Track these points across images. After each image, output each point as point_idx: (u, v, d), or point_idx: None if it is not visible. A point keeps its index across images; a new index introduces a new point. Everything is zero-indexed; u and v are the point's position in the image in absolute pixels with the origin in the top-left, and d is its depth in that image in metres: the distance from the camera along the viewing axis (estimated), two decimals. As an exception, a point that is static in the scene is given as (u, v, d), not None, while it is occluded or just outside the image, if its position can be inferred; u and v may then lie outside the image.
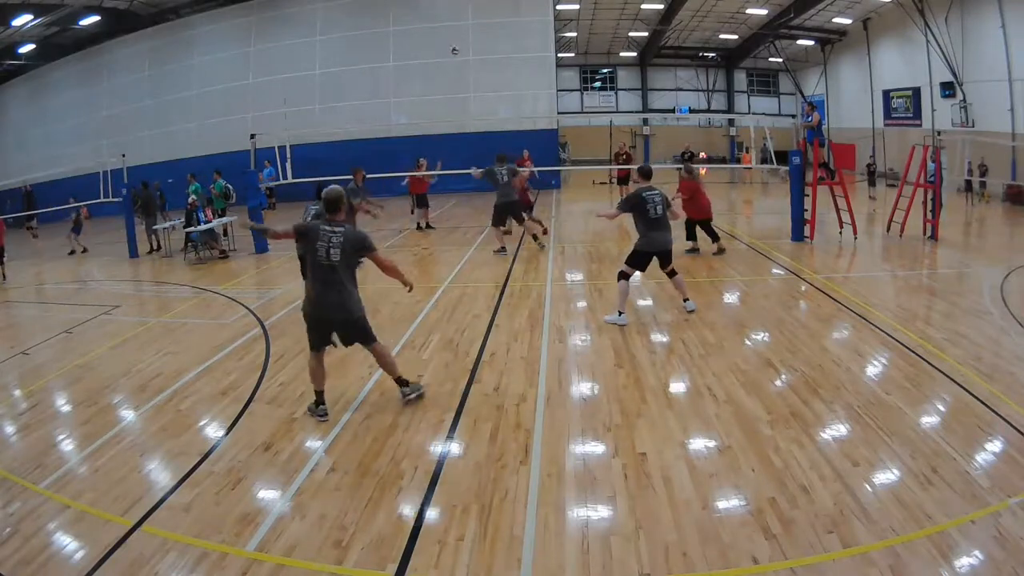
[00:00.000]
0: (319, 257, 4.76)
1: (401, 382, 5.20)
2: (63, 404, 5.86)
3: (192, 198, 13.61)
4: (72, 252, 15.25)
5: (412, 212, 15.41)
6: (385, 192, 16.60)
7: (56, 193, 19.38)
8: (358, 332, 4.99)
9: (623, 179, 18.37)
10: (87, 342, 7.72)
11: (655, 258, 7.16)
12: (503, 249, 11.33)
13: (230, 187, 15.15)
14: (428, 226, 15.01)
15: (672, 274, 7.31)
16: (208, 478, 4.24)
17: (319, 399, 5.06)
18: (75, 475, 4.43)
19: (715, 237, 10.77)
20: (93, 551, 3.51)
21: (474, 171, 11.56)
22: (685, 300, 7.38)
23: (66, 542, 3.66)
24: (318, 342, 4.98)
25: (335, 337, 4.95)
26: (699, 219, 10.76)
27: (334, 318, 4.85)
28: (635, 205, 7.00)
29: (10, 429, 5.37)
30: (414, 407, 5.18)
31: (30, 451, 4.84)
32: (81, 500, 4.05)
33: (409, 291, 5.16)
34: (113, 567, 3.37)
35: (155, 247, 14.73)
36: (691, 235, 10.96)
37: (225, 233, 14.49)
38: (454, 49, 20.89)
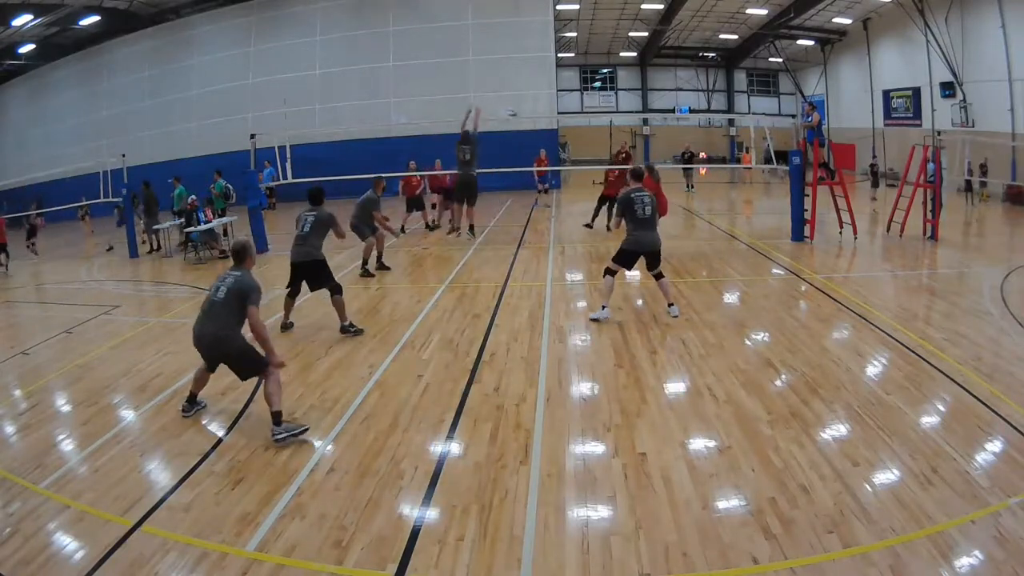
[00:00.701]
0: (210, 290, 5.21)
1: (276, 418, 4.75)
2: (63, 404, 5.86)
3: (192, 198, 13.58)
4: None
5: (406, 219, 15.07)
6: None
7: (56, 193, 19.40)
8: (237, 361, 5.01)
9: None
10: (87, 342, 7.72)
11: (642, 258, 7.20)
12: (456, 230, 11.79)
13: (230, 187, 15.14)
14: (435, 224, 15.06)
15: (659, 276, 7.30)
16: (208, 478, 4.24)
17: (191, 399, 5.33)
18: (75, 475, 4.42)
19: None
20: (93, 551, 3.51)
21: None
22: (669, 305, 7.30)
23: (66, 542, 3.66)
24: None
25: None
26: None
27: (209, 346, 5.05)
28: (625, 206, 7.12)
29: (10, 429, 5.37)
30: (414, 407, 5.18)
31: (30, 451, 4.84)
32: (81, 500, 4.05)
33: (279, 367, 4.95)
34: (113, 567, 3.37)
35: (155, 247, 14.71)
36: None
37: (225, 233, 14.48)
38: (512, 113, 21.00)
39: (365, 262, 10.35)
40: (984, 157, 18.08)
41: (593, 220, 13.78)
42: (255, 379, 6.04)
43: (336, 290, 7.30)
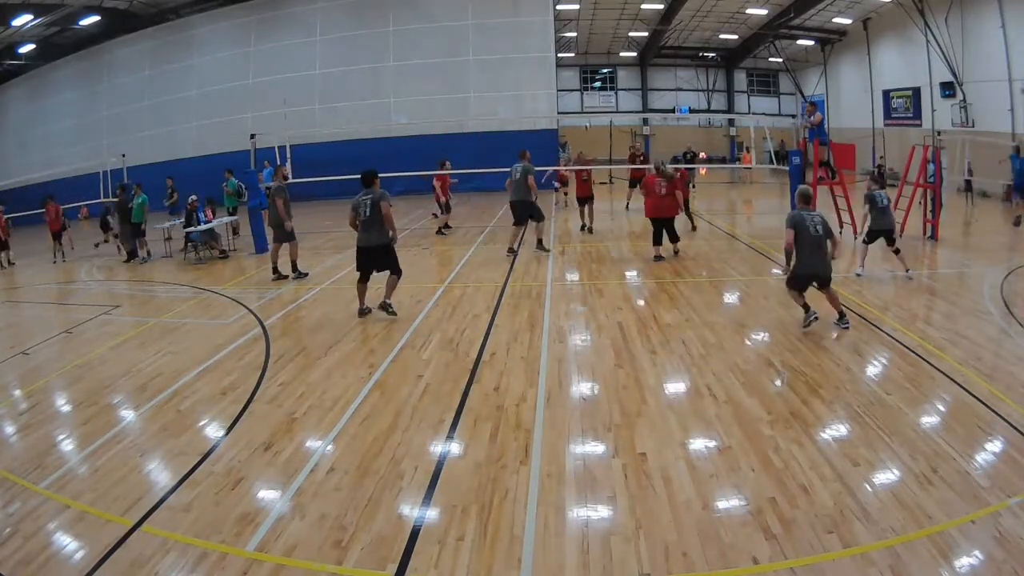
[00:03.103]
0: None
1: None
2: (63, 404, 5.86)
3: (192, 198, 13.55)
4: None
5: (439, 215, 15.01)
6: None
7: (56, 193, 19.36)
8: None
9: (635, 181, 16.69)
10: (87, 342, 7.72)
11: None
12: (513, 250, 11.28)
13: (243, 185, 15.12)
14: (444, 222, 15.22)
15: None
16: (208, 478, 4.24)
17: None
18: (75, 475, 4.43)
19: (660, 240, 10.43)
20: (93, 551, 3.51)
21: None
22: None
23: (66, 542, 3.66)
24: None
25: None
26: (655, 217, 10.42)
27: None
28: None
29: (10, 429, 5.37)
30: (414, 407, 5.18)
31: (30, 451, 4.84)
32: (81, 500, 4.05)
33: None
34: (113, 567, 3.37)
35: (134, 255, 13.51)
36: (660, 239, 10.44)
37: (235, 232, 14.51)
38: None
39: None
40: (997, 161, 18.05)
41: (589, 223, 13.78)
42: (257, 379, 6.09)
43: (397, 272, 7.67)
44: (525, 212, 11.18)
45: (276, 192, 10.15)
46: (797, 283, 6.80)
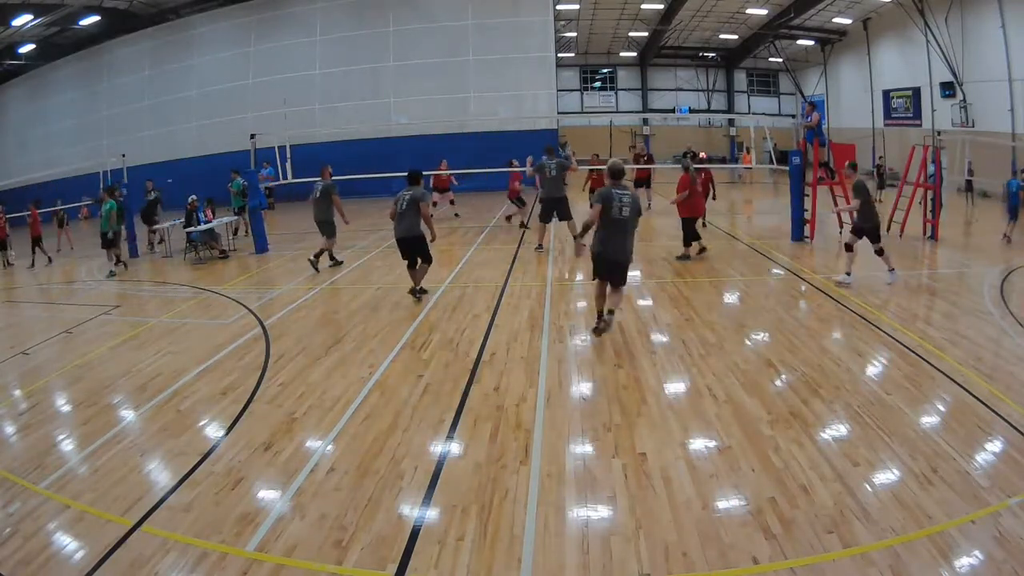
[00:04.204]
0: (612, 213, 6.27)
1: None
2: (63, 404, 5.86)
3: (192, 198, 13.55)
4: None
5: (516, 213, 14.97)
6: (384, 191, 16.69)
7: (56, 193, 19.38)
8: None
9: (640, 182, 16.59)
10: (87, 342, 7.72)
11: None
12: (541, 246, 11.42)
13: (247, 185, 15.14)
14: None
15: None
16: (208, 478, 4.24)
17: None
18: (75, 475, 4.43)
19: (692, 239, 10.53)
20: (93, 551, 3.51)
21: (528, 169, 12.03)
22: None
23: (66, 542, 3.66)
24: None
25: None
26: (691, 216, 10.52)
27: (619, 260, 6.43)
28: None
29: (10, 429, 5.37)
30: (414, 407, 5.18)
31: (30, 451, 4.84)
32: (81, 500, 4.05)
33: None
34: (113, 567, 3.37)
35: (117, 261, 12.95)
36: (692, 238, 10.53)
37: (236, 232, 14.51)
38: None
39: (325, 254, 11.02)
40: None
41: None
42: (257, 379, 6.10)
43: (427, 260, 8.44)
44: (554, 208, 11.34)
45: (333, 189, 10.87)
46: (597, 269, 6.52)
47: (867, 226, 8.54)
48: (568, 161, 11.59)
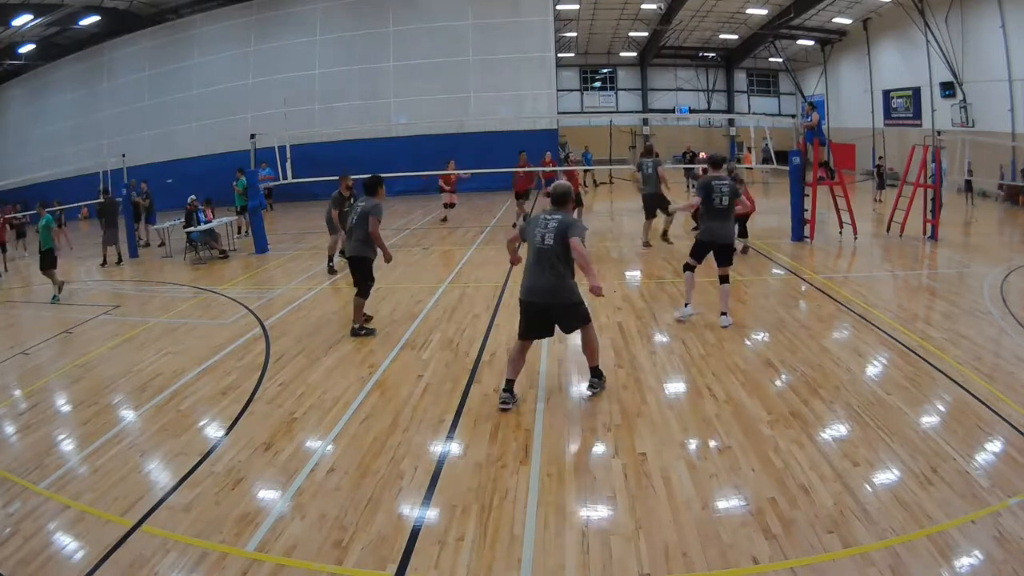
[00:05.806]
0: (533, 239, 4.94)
1: (595, 372, 5.23)
2: (63, 404, 5.86)
3: (191, 198, 13.54)
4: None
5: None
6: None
7: (55, 193, 19.37)
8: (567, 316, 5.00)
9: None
10: (87, 342, 7.72)
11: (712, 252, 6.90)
12: (648, 243, 11.56)
13: (249, 185, 15.13)
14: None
15: (723, 280, 6.91)
16: (208, 478, 4.24)
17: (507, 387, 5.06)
18: (75, 475, 4.43)
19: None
20: (93, 551, 3.51)
21: (634, 175, 12.24)
22: (723, 313, 6.91)
23: (66, 542, 3.66)
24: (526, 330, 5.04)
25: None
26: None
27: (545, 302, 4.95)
28: (704, 192, 6.74)
29: (10, 429, 5.37)
30: (414, 407, 5.18)
31: (30, 451, 4.84)
32: (81, 500, 4.05)
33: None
34: (113, 567, 3.37)
35: (109, 260, 13.40)
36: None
37: (240, 231, 14.50)
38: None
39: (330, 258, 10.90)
40: (1002, 164, 18.09)
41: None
42: (257, 379, 6.05)
43: (360, 294, 7.07)
44: (655, 205, 11.48)
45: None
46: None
47: (709, 241, 7.04)
48: (660, 161, 11.77)
